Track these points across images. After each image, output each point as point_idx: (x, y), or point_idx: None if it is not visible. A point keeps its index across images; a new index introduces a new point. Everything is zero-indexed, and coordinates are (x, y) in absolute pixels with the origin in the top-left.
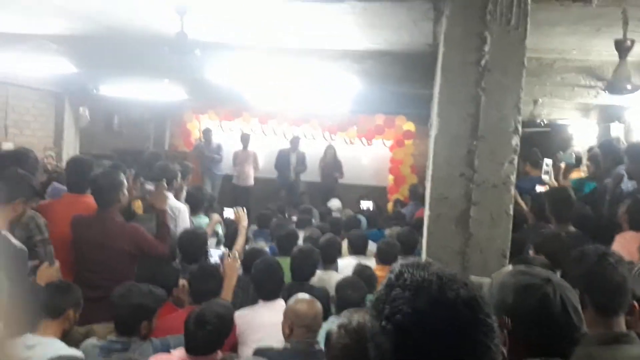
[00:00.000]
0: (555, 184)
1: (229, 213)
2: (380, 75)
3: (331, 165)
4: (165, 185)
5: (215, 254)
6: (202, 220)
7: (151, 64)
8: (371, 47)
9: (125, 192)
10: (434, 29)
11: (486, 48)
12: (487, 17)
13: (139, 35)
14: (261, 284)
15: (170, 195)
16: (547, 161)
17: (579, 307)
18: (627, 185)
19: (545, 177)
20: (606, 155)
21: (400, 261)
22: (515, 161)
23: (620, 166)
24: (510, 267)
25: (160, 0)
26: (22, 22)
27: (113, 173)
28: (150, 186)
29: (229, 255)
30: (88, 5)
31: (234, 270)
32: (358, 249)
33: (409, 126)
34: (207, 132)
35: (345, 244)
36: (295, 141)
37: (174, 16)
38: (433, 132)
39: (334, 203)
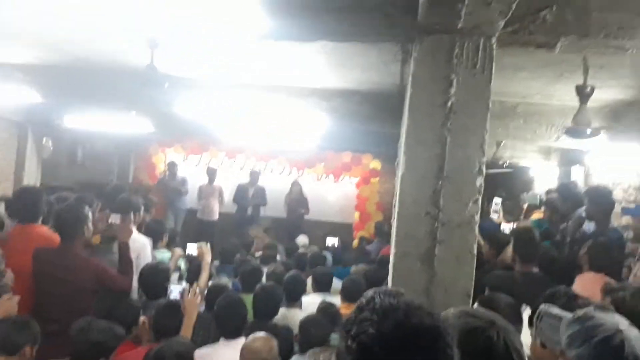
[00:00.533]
0: (504, 222)
1: (192, 248)
2: (348, 113)
3: (297, 201)
4: (132, 218)
5: (175, 290)
6: (164, 254)
7: (119, 95)
8: (340, 85)
9: (90, 225)
10: (402, 70)
11: (452, 90)
12: (453, 60)
13: (107, 67)
14: (223, 321)
15: (133, 229)
16: (497, 200)
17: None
18: (589, 227)
19: (494, 216)
20: (565, 199)
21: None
22: (479, 201)
23: (580, 209)
24: (454, 309)
25: (133, 32)
26: None
27: (77, 206)
28: (116, 218)
29: (188, 291)
30: (58, 34)
31: (194, 306)
32: (323, 286)
33: (376, 164)
34: (172, 166)
35: (309, 281)
36: (254, 175)
37: (145, 49)
38: (400, 171)
39: (301, 239)
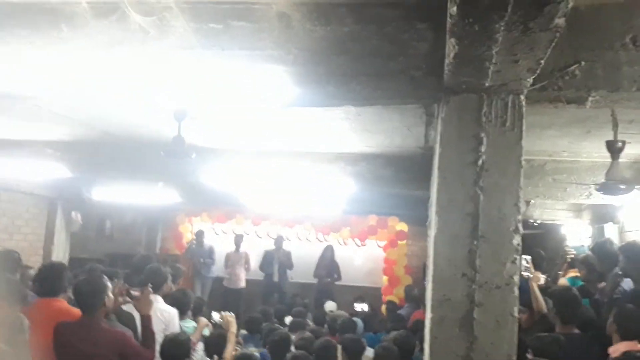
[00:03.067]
0: (540, 278)
1: (216, 317)
2: (373, 177)
3: (329, 266)
4: (151, 290)
5: None
6: (189, 324)
7: (146, 167)
8: (364, 150)
9: (111, 295)
10: (426, 132)
11: (482, 148)
12: (482, 118)
13: (135, 140)
14: None
15: (159, 299)
16: (527, 258)
17: None
18: (628, 284)
19: (525, 274)
20: (601, 258)
21: None
22: (518, 261)
23: (616, 268)
24: None
25: (160, 107)
26: (20, 129)
27: (96, 277)
28: (135, 292)
29: None
30: (88, 112)
31: None
32: (354, 354)
33: (402, 227)
34: (199, 234)
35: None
36: (279, 240)
37: (171, 121)
38: (432, 232)
39: (330, 305)
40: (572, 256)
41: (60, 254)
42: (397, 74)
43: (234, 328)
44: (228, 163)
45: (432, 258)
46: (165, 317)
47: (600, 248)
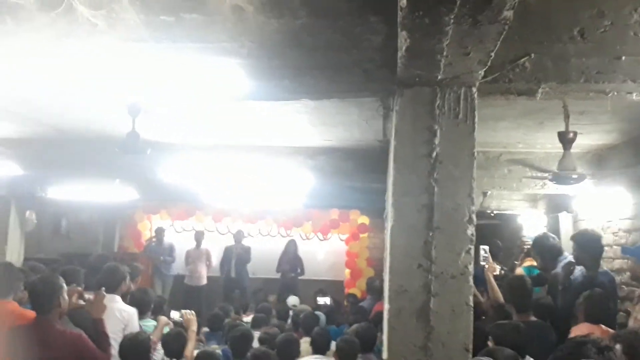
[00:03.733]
0: (496, 268)
1: (176, 316)
2: (333, 170)
3: (292, 261)
4: (104, 294)
5: None
6: (149, 324)
7: (102, 164)
8: (324, 143)
9: (65, 296)
10: (384, 124)
11: (436, 141)
12: (435, 111)
13: (89, 136)
14: None
15: (118, 299)
16: (485, 248)
17: None
18: (579, 271)
19: (483, 264)
20: (542, 254)
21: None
22: (472, 251)
23: (561, 257)
24: None
25: (112, 100)
26: None
27: (51, 277)
28: (89, 295)
29: None
30: (37, 107)
31: None
32: (321, 348)
33: (364, 219)
34: (158, 232)
35: (303, 343)
36: (238, 235)
37: (126, 116)
38: (389, 224)
39: (292, 300)
40: (528, 246)
41: (14, 254)
42: (351, 67)
43: (194, 326)
44: (186, 158)
45: (389, 250)
46: (124, 316)
47: (538, 243)
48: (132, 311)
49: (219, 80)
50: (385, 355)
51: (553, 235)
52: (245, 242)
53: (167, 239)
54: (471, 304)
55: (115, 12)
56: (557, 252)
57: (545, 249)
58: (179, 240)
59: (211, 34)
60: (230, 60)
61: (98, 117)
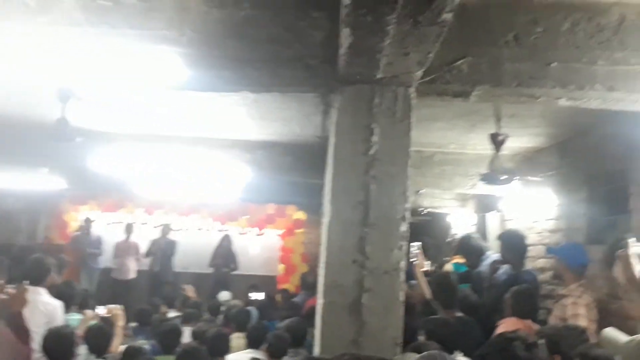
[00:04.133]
0: (425, 264)
1: (102, 310)
2: (271, 165)
3: (225, 256)
4: (27, 288)
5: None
6: (75, 317)
7: (28, 151)
8: (262, 137)
9: None
10: (323, 121)
11: (374, 139)
12: (374, 109)
13: (14, 122)
14: None
15: (42, 292)
16: (417, 244)
17: None
18: (504, 270)
19: (413, 260)
20: (468, 255)
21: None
22: (405, 248)
23: (484, 256)
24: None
25: (44, 87)
26: None
27: None
28: (11, 289)
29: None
30: None
31: None
32: (256, 342)
33: (300, 215)
34: (86, 223)
35: (235, 338)
36: (165, 229)
37: (55, 102)
38: (326, 220)
39: (224, 295)
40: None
41: None
42: (294, 61)
43: (121, 321)
44: (119, 148)
45: (325, 245)
46: (48, 310)
47: (462, 243)
48: (57, 304)
49: (157, 69)
50: (316, 349)
51: (477, 235)
52: (173, 235)
53: (95, 230)
54: (402, 299)
55: None
56: (480, 251)
57: (469, 249)
58: (108, 233)
59: (151, 21)
60: (169, 48)
61: (27, 101)
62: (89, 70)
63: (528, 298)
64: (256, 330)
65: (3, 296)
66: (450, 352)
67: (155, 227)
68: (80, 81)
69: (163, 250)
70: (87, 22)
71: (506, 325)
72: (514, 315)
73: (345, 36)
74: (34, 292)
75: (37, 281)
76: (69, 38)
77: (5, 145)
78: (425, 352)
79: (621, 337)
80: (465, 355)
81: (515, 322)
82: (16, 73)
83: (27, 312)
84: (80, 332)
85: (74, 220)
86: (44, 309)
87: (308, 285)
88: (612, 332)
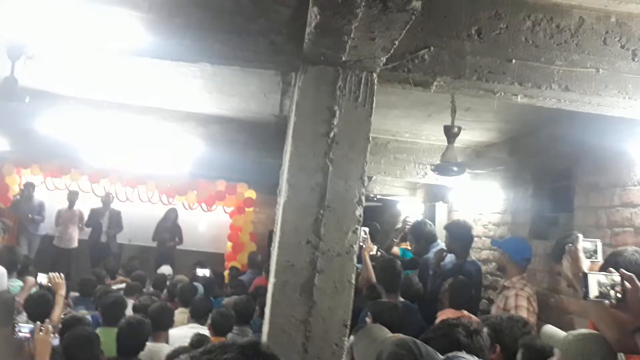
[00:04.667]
0: (372, 248)
1: (43, 278)
2: (225, 140)
3: (170, 229)
4: None
5: (25, 328)
6: (15, 284)
7: None
8: (218, 112)
9: None
10: (282, 100)
11: (335, 121)
12: (337, 92)
13: None
14: (72, 358)
15: None
16: (365, 229)
17: None
18: (449, 259)
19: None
20: (418, 239)
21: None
22: (359, 231)
23: (434, 243)
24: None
25: None
26: None
27: None
28: None
29: (41, 329)
30: None
31: (46, 345)
32: (199, 316)
33: (250, 194)
34: (28, 187)
35: (179, 313)
36: (107, 199)
37: (5, 60)
38: (282, 200)
39: (165, 269)
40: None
41: None
42: (257, 36)
43: (62, 290)
44: (68, 111)
45: (280, 225)
46: None
47: (416, 228)
48: (2, 271)
49: (115, 32)
50: (265, 328)
51: (430, 223)
52: (116, 206)
53: (37, 196)
54: (352, 281)
55: None
56: (432, 238)
57: (422, 234)
58: (51, 199)
59: None
60: (129, 12)
61: None
62: (42, 28)
63: (464, 290)
64: (200, 305)
65: None
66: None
67: (100, 196)
68: (32, 39)
69: (108, 220)
70: None
71: (444, 315)
72: (451, 306)
73: (313, 15)
74: None
75: None
76: None
77: None
78: (398, 339)
79: (559, 332)
80: None
81: (453, 313)
82: None
83: None
84: (20, 299)
85: (16, 183)
86: None
87: (255, 264)
88: (551, 328)
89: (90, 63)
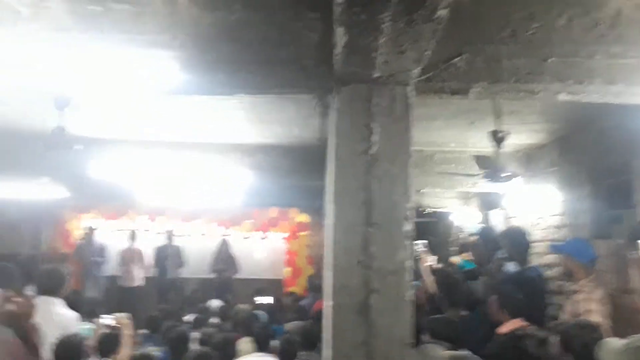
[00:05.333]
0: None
1: (109, 319)
2: (271, 168)
3: (225, 261)
4: (36, 298)
5: None
6: (86, 327)
7: (29, 161)
8: (261, 140)
9: None
10: (321, 122)
11: (374, 138)
12: (372, 109)
13: (15, 131)
14: None
15: (59, 302)
16: (423, 242)
17: None
18: (510, 267)
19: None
20: (486, 243)
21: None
22: (410, 247)
23: (498, 252)
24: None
25: (40, 95)
26: None
27: None
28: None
29: None
30: None
31: None
32: (262, 345)
33: (303, 218)
34: (89, 231)
35: (244, 343)
36: (169, 235)
37: (52, 110)
38: (329, 221)
39: (214, 303)
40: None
41: None
42: (288, 62)
43: (129, 330)
44: (118, 154)
45: (329, 247)
46: (62, 321)
47: (484, 233)
48: (72, 316)
49: (150, 73)
50: (326, 352)
51: (494, 228)
52: (177, 242)
53: (99, 239)
54: (409, 298)
55: (40, 0)
56: (497, 244)
57: (490, 238)
58: (112, 241)
59: (142, 26)
60: (161, 52)
61: (25, 110)
62: (83, 77)
63: (515, 299)
64: (262, 333)
65: (11, 307)
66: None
67: (159, 233)
68: (76, 88)
69: (172, 257)
70: (76, 27)
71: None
72: (510, 317)
73: (340, 35)
74: (48, 303)
75: (53, 291)
76: (61, 44)
77: (6, 154)
78: (456, 353)
79: (618, 342)
80: (473, 353)
81: (514, 323)
82: (13, 81)
83: (41, 323)
84: (92, 342)
85: (77, 228)
86: (58, 320)
87: (315, 287)
88: (610, 341)
89: (134, 105)
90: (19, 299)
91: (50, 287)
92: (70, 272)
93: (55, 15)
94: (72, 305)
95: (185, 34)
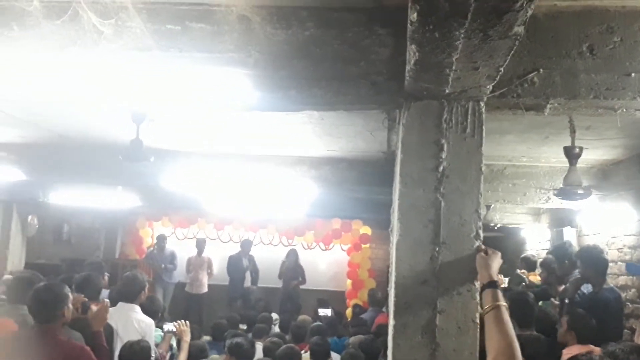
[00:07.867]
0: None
1: (170, 326)
2: (336, 180)
3: (292, 270)
4: (108, 303)
5: None
6: (157, 333)
7: (104, 171)
8: (328, 153)
9: (70, 305)
10: (388, 137)
11: (443, 155)
12: (443, 125)
13: (92, 142)
14: None
15: (137, 309)
16: None
17: None
18: (587, 287)
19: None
20: (561, 261)
21: None
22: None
23: (576, 270)
24: None
25: (117, 109)
26: None
27: (57, 285)
28: (94, 305)
29: None
30: (41, 114)
31: None
32: (319, 357)
33: (366, 230)
34: (160, 239)
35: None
36: (246, 244)
37: (130, 124)
38: (395, 238)
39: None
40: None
41: (16, 259)
42: (359, 78)
43: (187, 337)
44: (189, 166)
45: (395, 264)
46: (142, 327)
47: (559, 250)
48: (150, 322)
49: (225, 91)
50: None
51: (572, 245)
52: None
53: (169, 246)
54: (477, 320)
55: (122, 21)
56: (574, 262)
57: (566, 256)
58: (181, 248)
59: (218, 44)
60: (236, 70)
61: (102, 123)
62: (161, 93)
63: (587, 324)
64: (318, 346)
65: (87, 313)
66: None
67: (225, 242)
68: (153, 103)
69: (252, 267)
70: (157, 46)
71: (570, 353)
72: (578, 342)
73: (412, 52)
74: (128, 309)
75: (131, 298)
76: (141, 62)
77: (83, 164)
78: None
79: None
80: None
81: (579, 348)
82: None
83: (120, 329)
84: (163, 349)
85: (149, 236)
86: (138, 326)
87: (376, 301)
88: None
89: (206, 119)
90: (95, 305)
91: (129, 294)
92: (146, 279)
93: (137, 35)
94: (148, 311)
95: (259, 52)
